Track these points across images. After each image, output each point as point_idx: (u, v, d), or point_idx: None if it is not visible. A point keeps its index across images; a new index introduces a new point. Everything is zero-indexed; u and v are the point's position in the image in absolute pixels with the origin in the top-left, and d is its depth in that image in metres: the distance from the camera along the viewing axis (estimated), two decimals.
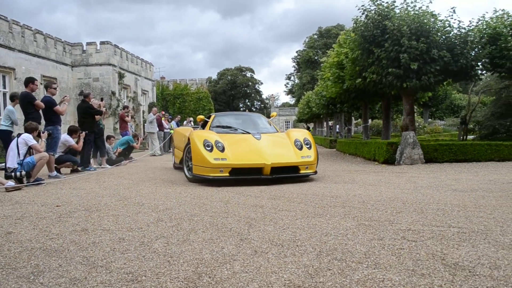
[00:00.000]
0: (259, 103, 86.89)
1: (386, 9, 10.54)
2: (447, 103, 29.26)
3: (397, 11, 10.63)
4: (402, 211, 4.19)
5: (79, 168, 9.74)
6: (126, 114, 14.71)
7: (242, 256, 2.82)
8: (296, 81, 77.16)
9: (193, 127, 10.20)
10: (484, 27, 11.51)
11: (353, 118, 28.15)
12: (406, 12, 10.39)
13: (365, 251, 2.85)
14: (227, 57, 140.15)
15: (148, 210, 4.60)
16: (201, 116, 9.09)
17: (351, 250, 2.89)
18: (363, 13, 10.80)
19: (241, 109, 78.20)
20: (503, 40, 10.61)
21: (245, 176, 6.65)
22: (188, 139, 7.41)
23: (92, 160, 10.75)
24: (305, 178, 7.27)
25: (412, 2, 10.52)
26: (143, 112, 30.92)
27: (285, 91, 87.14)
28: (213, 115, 8.97)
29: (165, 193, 5.87)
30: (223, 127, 8.31)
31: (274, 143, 7.39)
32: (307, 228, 3.55)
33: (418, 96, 14.16)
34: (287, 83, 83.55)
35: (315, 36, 69.85)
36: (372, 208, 4.39)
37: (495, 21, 11.58)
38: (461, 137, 13.41)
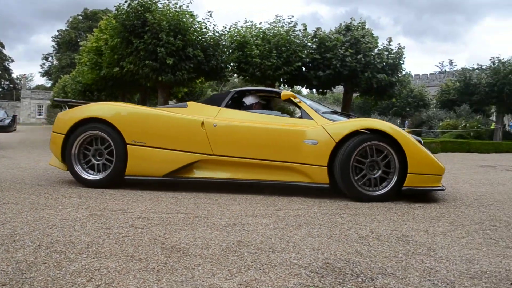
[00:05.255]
0: (7, 83, 76.59)
1: (149, 2, 10.65)
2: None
3: (160, 5, 10.87)
4: (138, 200, 4.30)
5: None
6: None
7: None
8: (55, 62, 70.95)
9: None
10: (235, 34, 12.80)
11: None
12: (168, 8, 10.71)
13: (89, 241, 2.82)
14: None
15: None
16: (290, 93, 5.26)
17: (74, 242, 2.81)
18: (126, 1, 10.67)
19: None
20: (249, 48, 11.98)
21: None
22: (379, 133, 4.56)
23: None
24: (45, 168, 6.76)
25: None
26: None
27: (40, 72, 78.75)
28: (288, 93, 5.27)
29: None
30: (333, 113, 5.59)
31: None
32: (32, 221, 3.30)
33: (175, 90, 14.82)
34: (44, 64, 76.06)
35: (80, 17, 65.61)
36: (109, 198, 4.38)
37: (245, 30, 12.98)
38: None
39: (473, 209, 4.35)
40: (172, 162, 4.95)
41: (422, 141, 4.90)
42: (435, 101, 24.67)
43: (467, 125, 18.66)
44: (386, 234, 3.16)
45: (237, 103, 5.59)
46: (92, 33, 14.36)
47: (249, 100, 5.54)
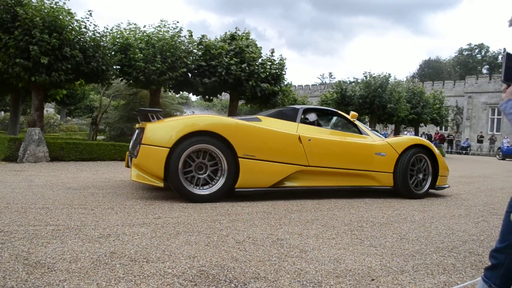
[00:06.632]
0: None
1: None
2: (85, 103, 29.79)
3: (33, 0, 10.02)
4: (2, 212, 3.90)
5: None
6: None
7: None
8: None
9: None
10: (118, 36, 12.30)
11: None
12: (42, 3, 9.92)
13: None
14: None
15: None
16: (356, 114, 6.42)
17: None
18: None
19: None
20: (132, 51, 11.60)
21: None
22: (417, 146, 6.12)
23: None
24: None
25: None
26: None
27: None
28: (355, 114, 6.43)
29: None
30: (372, 130, 6.68)
31: None
32: None
33: (52, 92, 13.78)
34: None
35: None
36: None
37: (128, 32, 12.54)
38: (91, 137, 13.83)
39: (344, 211, 4.68)
40: (278, 174, 5.30)
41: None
42: None
43: None
44: (262, 239, 3.25)
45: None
46: None
47: (311, 117, 6.12)
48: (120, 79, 13.01)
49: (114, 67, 11.72)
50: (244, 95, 14.36)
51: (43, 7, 9.73)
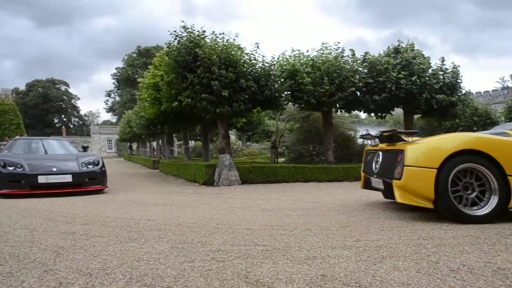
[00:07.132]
0: (77, 120, 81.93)
1: (197, 37, 10.93)
2: (262, 128, 31.99)
3: (208, 40, 11.09)
4: (215, 232, 4.36)
5: None
6: None
7: None
8: (117, 98, 75.10)
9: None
10: (284, 63, 12.91)
11: (175, 139, 28.48)
12: (216, 42, 10.96)
13: (175, 275, 2.89)
14: (42, 68, 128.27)
15: None
16: None
17: (161, 275, 2.89)
18: (175, 39, 11.02)
19: (57, 125, 72.50)
20: (300, 76, 12.01)
21: None
22: None
23: None
24: (122, 201, 7.05)
25: (220, 34, 11.20)
26: None
27: (105, 109, 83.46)
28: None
29: None
30: None
31: None
32: (119, 254, 3.44)
33: (233, 121, 15.05)
34: (107, 100, 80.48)
35: (134, 55, 69.06)
36: (187, 230, 4.48)
37: (293, 59, 13.06)
38: (273, 160, 14.65)
39: None
40: None
41: None
42: (503, 118, 23.44)
43: None
44: (479, 267, 2.99)
45: None
46: (148, 70, 14.93)
47: None
48: (292, 103, 13.55)
49: (285, 93, 12.30)
50: (419, 108, 13.64)
51: (217, 46, 10.76)
